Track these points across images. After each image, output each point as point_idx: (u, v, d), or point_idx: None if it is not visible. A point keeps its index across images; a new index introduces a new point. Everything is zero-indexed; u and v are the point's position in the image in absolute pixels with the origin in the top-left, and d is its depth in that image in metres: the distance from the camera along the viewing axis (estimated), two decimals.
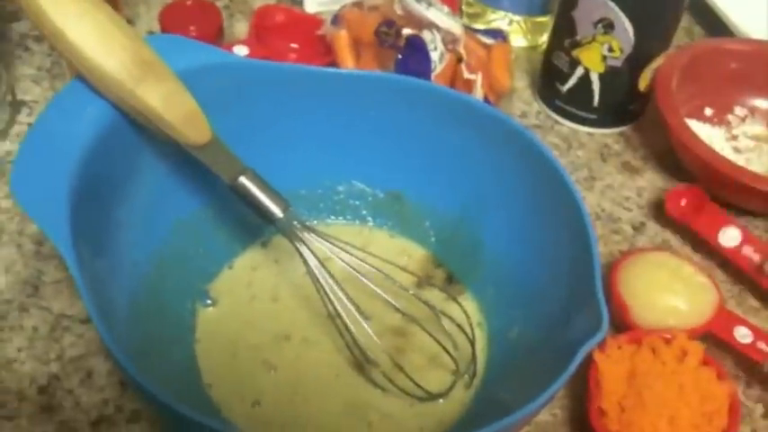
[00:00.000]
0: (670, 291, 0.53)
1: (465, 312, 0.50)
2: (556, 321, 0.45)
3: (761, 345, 0.51)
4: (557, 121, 0.68)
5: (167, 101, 0.43)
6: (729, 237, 0.57)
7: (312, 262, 0.46)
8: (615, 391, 0.47)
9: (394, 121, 0.53)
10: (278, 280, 0.52)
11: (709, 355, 0.49)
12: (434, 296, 0.51)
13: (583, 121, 0.67)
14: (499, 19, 0.73)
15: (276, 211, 0.45)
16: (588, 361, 0.48)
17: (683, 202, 0.59)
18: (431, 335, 0.47)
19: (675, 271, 0.54)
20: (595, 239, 0.43)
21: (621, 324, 0.52)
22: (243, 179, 0.44)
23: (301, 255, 0.46)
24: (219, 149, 0.45)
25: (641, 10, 0.60)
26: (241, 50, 0.64)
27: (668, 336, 0.49)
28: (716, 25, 0.76)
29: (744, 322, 0.53)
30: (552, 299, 0.46)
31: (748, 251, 0.57)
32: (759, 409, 0.51)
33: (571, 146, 0.67)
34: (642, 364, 0.48)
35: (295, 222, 0.46)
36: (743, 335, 0.52)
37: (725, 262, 0.58)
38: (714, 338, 0.52)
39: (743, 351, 0.52)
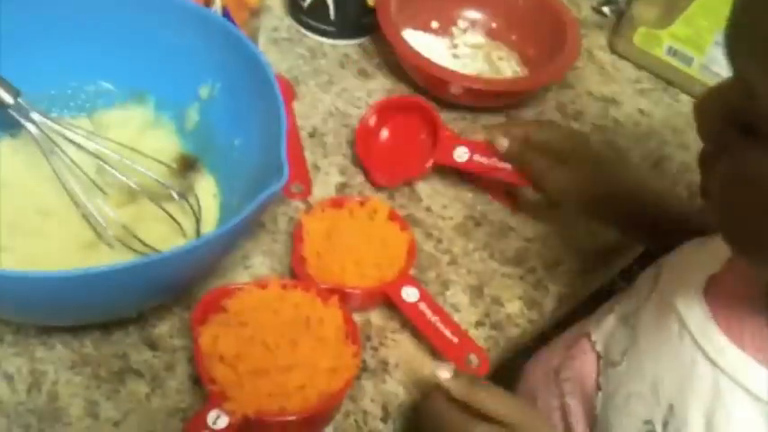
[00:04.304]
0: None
1: (192, 187, 0.59)
2: (262, 185, 0.54)
3: None
4: (305, 35, 0.78)
5: None
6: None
7: (46, 143, 0.53)
8: (315, 242, 0.57)
9: (135, 25, 0.60)
10: (22, 167, 0.58)
11: (395, 212, 0.60)
12: (175, 177, 0.59)
13: (324, 34, 0.77)
14: None
15: (7, 97, 0.51)
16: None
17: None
18: (158, 205, 0.56)
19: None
20: (284, 126, 0.53)
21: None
22: None
23: (34, 138, 0.53)
24: None
25: None
26: None
27: (363, 199, 0.60)
28: None
29: None
30: (263, 170, 0.56)
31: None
32: (446, 258, 0.63)
33: (316, 56, 0.76)
34: (340, 222, 0.58)
35: (30, 109, 0.53)
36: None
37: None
38: None
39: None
